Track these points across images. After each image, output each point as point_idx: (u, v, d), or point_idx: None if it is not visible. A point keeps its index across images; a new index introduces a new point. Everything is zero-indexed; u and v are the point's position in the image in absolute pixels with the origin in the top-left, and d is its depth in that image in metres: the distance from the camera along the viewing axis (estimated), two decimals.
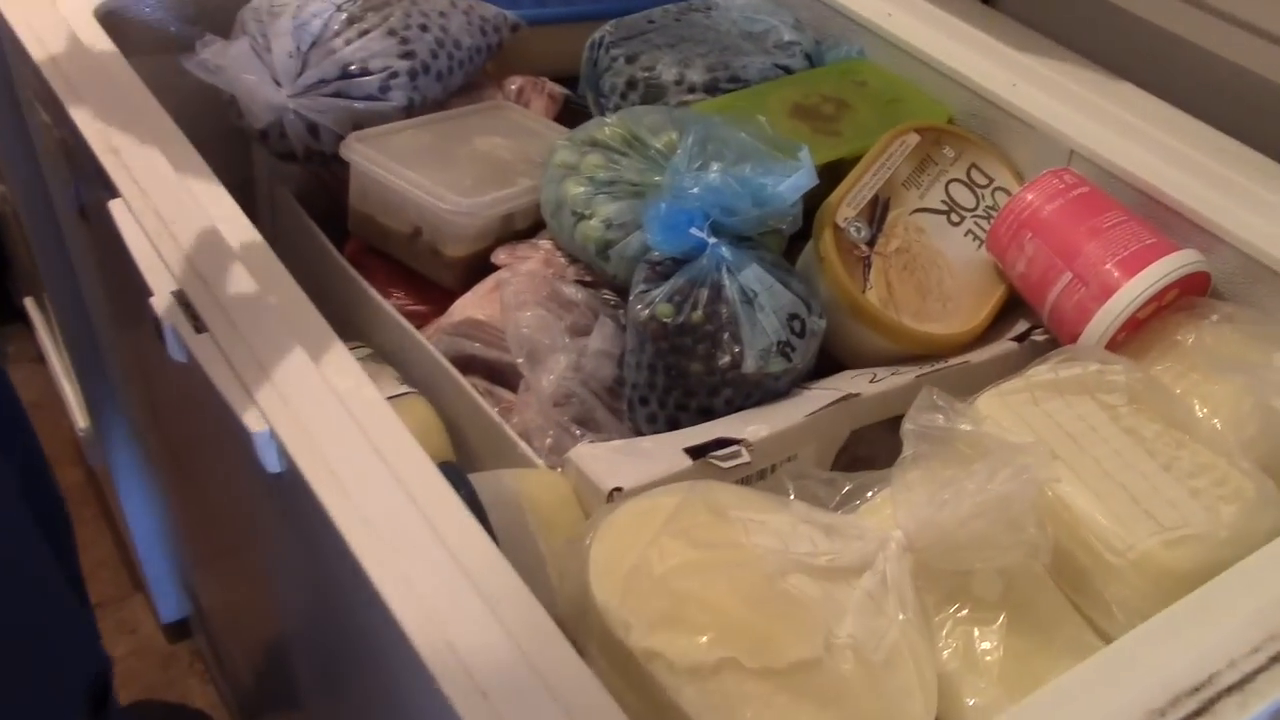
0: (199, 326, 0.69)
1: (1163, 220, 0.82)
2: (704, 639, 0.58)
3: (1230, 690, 0.54)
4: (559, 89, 1.08)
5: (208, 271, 0.72)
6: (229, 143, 0.99)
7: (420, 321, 0.92)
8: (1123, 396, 0.71)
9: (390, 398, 0.84)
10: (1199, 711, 0.53)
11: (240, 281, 0.72)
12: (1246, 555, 0.62)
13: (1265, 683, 0.54)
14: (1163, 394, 0.71)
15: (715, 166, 0.80)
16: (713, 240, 0.80)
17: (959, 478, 0.64)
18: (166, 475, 1.29)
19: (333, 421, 0.64)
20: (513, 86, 1.08)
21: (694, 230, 0.79)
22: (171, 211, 0.77)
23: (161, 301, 0.71)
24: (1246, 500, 0.65)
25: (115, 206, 0.78)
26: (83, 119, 0.85)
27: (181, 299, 0.71)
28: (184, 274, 0.72)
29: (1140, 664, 0.55)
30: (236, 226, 0.77)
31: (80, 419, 1.46)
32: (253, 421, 0.64)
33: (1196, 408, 0.71)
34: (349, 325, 0.97)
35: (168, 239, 0.75)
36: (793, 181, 0.80)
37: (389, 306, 0.90)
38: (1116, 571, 0.63)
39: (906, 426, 0.67)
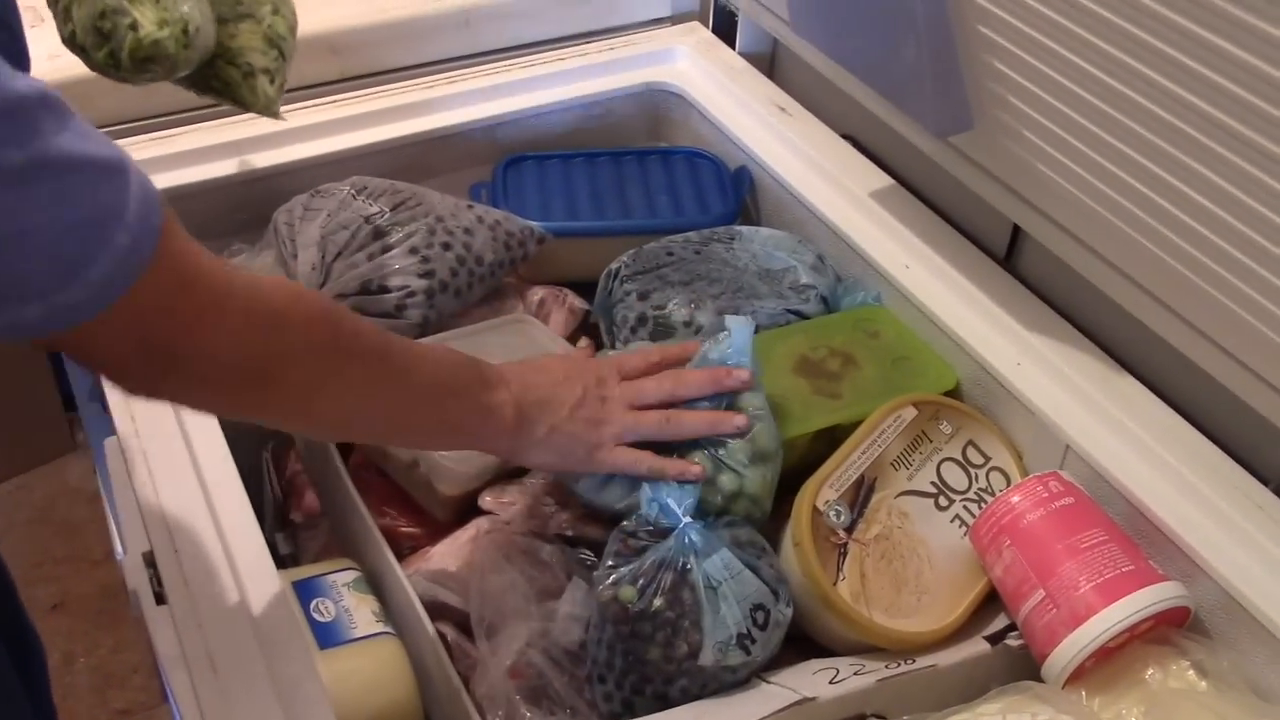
0: (160, 597, 0.72)
1: (1148, 537, 0.81)
2: None
3: None
4: (579, 303, 1.10)
5: (182, 535, 0.75)
6: None
7: (411, 542, 0.94)
8: None
9: (363, 637, 0.86)
10: None
11: (212, 552, 0.74)
12: None
13: None
14: None
15: None
16: (685, 520, 0.80)
17: None
18: None
19: None
20: (535, 298, 1.10)
21: (669, 501, 0.80)
22: (162, 461, 0.79)
23: (131, 562, 0.74)
24: None
25: (109, 446, 0.81)
26: None
27: (149, 561, 0.74)
28: (158, 535, 0.75)
29: None
30: (224, 484, 0.79)
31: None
32: (189, 716, 0.66)
33: None
34: (345, 537, 0.99)
35: (150, 491, 0.77)
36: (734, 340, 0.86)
37: (378, 534, 0.91)
38: None
39: None
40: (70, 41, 0.81)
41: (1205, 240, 0.77)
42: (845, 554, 0.84)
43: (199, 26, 0.82)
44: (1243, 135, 0.71)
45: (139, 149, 1.11)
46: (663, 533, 0.81)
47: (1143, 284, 0.86)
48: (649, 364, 0.87)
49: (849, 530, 0.85)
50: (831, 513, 0.84)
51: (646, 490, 0.82)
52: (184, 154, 1.11)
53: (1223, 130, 0.73)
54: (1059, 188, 0.88)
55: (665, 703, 0.79)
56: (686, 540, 0.80)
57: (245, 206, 1.11)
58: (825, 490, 0.85)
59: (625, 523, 0.83)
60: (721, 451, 0.84)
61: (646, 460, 0.83)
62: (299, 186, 1.08)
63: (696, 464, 0.82)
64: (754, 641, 0.79)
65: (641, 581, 0.79)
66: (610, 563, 0.81)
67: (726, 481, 0.84)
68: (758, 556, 0.82)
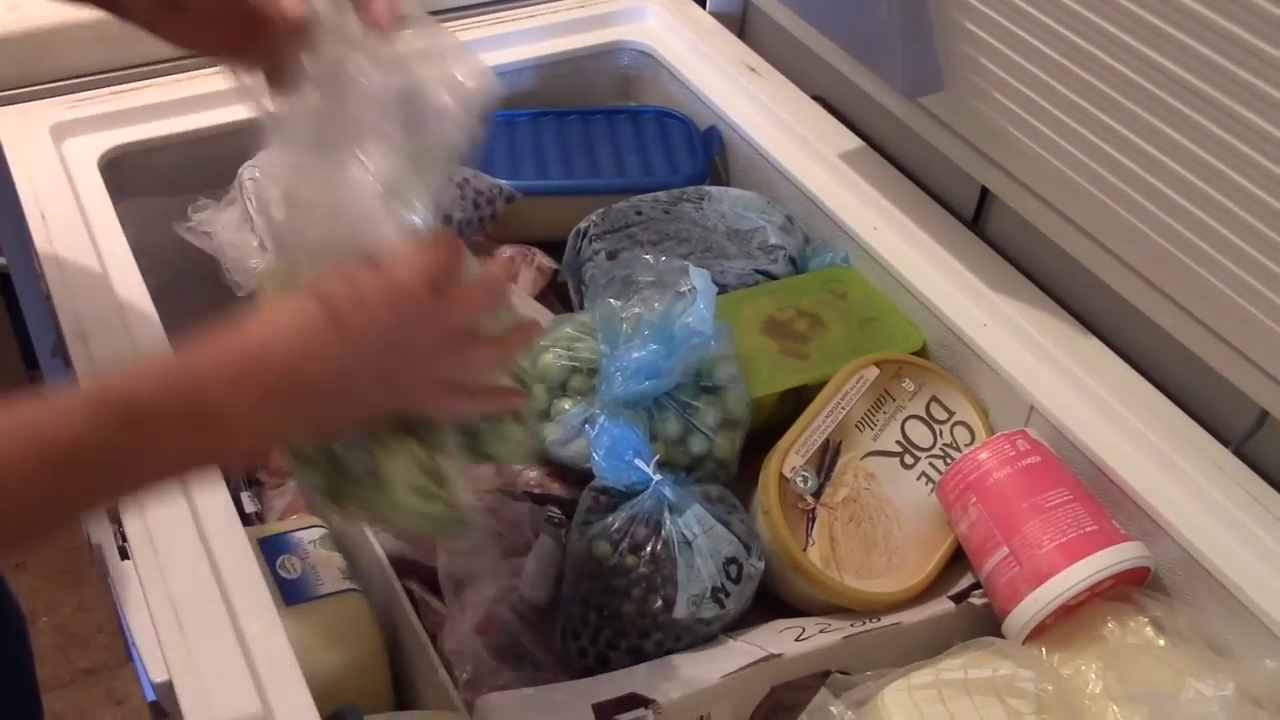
0: (124, 551, 0.71)
1: (1109, 496, 0.82)
2: None
3: None
4: (548, 262, 1.09)
5: None
6: None
7: None
8: (1030, 705, 0.71)
9: (330, 594, 0.86)
10: None
11: (177, 508, 0.73)
12: None
13: None
14: (1071, 707, 0.70)
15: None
16: (657, 478, 0.81)
17: None
18: None
19: (231, 676, 0.65)
20: (503, 256, 1.09)
21: (638, 462, 0.80)
22: None
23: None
24: None
25: None
26: (59, 292, 0.88)
27: (114, 516, 0.73)
28: None
29: None
30: None
31: None
32: (155, 670, 0.65)
33: None
34: (311, 494, 0.99)
35: None
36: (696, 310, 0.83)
37: None
38: None
39: None
40: None
41: (1171, 203, 0.78)
42: (814, 519, 0.84)
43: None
44: (1211, 97, 0.72)
45: (104, 102, 1.09)
46: (634, 491, 0.81)
47: (1108, 247, 0.87)
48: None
49: (816, 495, 0.85)
50: (798, 479, 0.85)
51: (599, 461, 0.82)
52: (150, 107, 1.09)
53: (1192, 93, 0.73)
54: (1028, 150, 0.89)
55: (640, 656, 0.79)
56: (660, 496, 0.80)
57: (211, 161, 1.09)
58: (791, 457, 0.85)
59: (597, 479, 0.83)
60: (692, 416, 0.85)
61: None
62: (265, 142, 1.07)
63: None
64: (727, 595, 0.80)
65: (617, 537, 0.79)
66: (584, 519, 0.81)
67: (695, 444, 0.85)
68: (729, 512, 0.83)
